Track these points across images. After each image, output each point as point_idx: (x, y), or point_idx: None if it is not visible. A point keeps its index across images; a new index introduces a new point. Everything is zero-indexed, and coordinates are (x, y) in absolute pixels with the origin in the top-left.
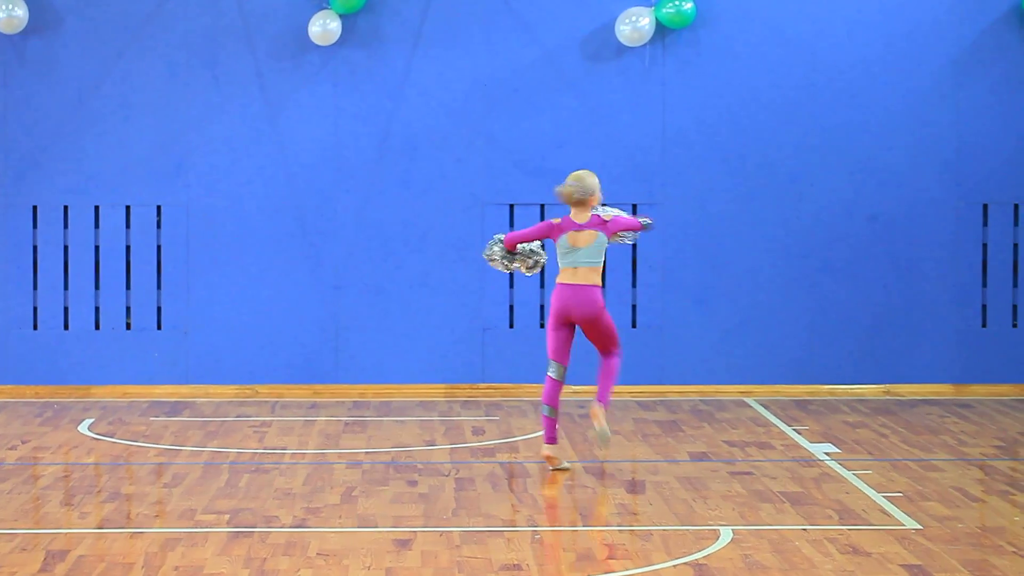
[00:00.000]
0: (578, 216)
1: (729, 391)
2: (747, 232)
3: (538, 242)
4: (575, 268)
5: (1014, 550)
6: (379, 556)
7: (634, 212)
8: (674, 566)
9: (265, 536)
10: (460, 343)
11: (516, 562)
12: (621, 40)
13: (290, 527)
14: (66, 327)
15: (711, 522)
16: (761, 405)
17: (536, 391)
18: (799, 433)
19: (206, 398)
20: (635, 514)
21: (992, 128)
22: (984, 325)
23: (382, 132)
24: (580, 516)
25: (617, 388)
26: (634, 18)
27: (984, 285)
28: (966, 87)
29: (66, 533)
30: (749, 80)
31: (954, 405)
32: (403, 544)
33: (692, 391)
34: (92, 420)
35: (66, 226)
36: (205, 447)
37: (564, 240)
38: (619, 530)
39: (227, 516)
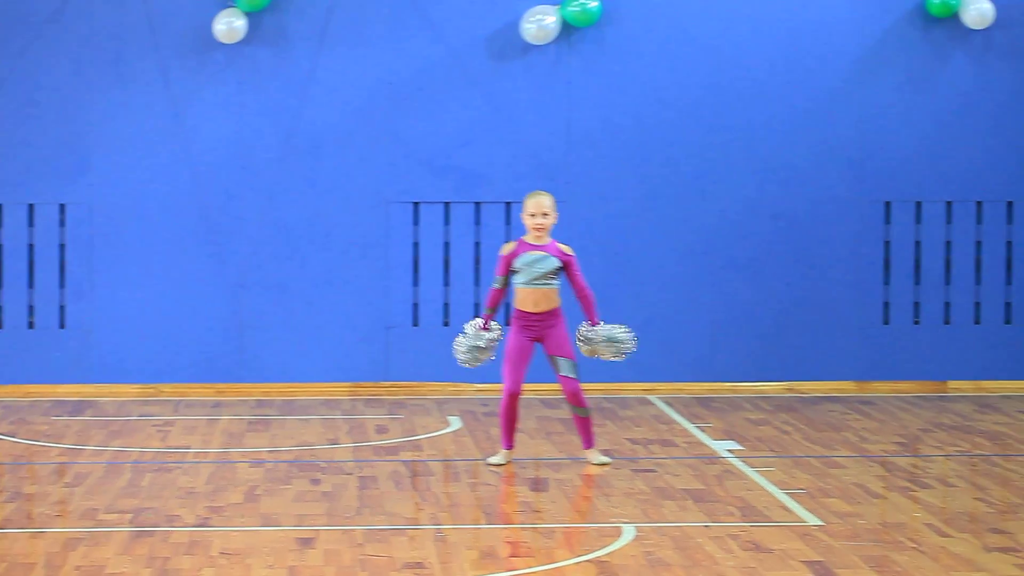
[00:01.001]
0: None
1: (632, 388)
2: (651, 230)
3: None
4: None
5: (914, 546)
6: (282, 555)
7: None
8: (577, 563)
9: (167, 535)
10: (364, 341)
11: (419, 560)
12: (526, 38)
13: (193, 526)
14: None
15: (614, 519)
16: (664, 403)
17: (440, 389)
18: (702, 430)
19: (109, 397)
20: (538, 512)
21: (895, 127)
22: (886, 322)
23: (287, 130)
24: (483, 514)
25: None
26: (539, 16)
27: (886, 283)
28: (869, 86)
29: None
30: (654, 79)
31: (856, 402)
32: (306, 543)
33: (595, 389)
34: None
35: None
36: (108, 446)
37: None
38: (522, 528)
39: (129, 515)
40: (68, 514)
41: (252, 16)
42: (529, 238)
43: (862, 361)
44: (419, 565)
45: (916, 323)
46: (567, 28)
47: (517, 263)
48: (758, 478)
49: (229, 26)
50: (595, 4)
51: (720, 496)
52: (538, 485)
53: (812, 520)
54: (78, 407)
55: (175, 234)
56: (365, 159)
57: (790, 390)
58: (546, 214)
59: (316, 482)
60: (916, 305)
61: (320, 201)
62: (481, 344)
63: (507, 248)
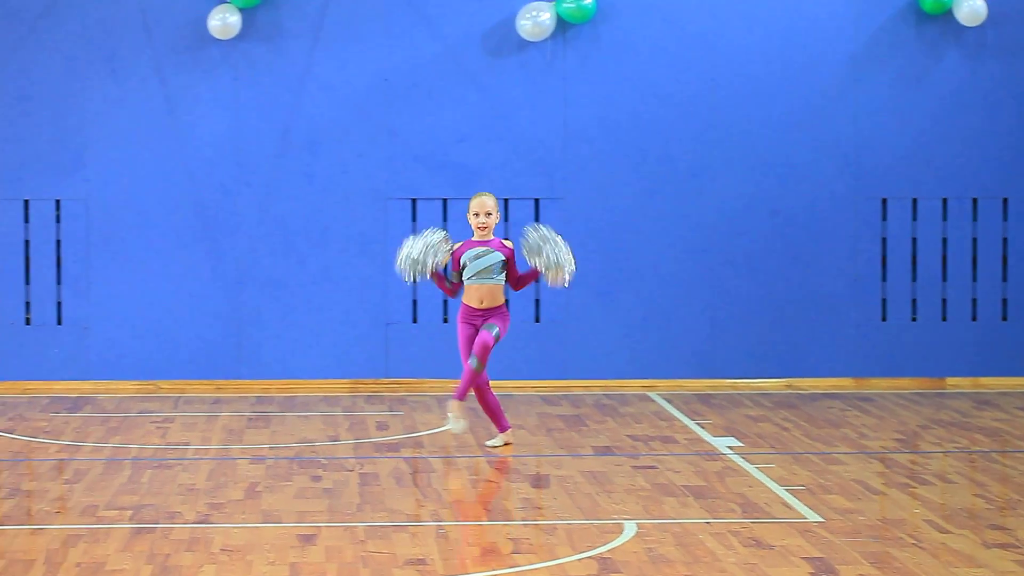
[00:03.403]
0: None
1: (632, 385)
2: (649, 226)
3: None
4: None
5: (914, 542)
6: (283, 551)
7: (536, 207)
8: (579, 560)
9: (168, 532)
10: (363, 338)
11: (421, 557)
12: (522, 35)
13: (193, 523)
14: None
15: (615, 516)
16: (664, 399)
17: (440, 386)
18: (702, 427)
19: (107, 394)
20: (539, 508)
21: (890, 124)
22: (884, 319)
23: (283, 126)
24: (485, 511)
25: (521, 382)
26: (535, 13)
27: (883, 279)
28: (864, 83)
29: None
30: (650, 75)
31: (855, 398)
32: (307, 539)
33: (595, 385)
34: None
35: None
36: (107, 443)
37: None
38: (523, 524)
39: (130, 512)
40: (68, 511)
41: (246, 12)
42: (475, 236)
43: (860, 358)
44: (420, 562)
45: (914, 320)
46: (562, 24)
47: (464, 258)
48: (758, 474)
49: (223, 22)
50: (590, 0)
51: (721, 492)
52: (539, 481)
53: (812, 516)
54: (76, 403)
55: (172, 230)
56: (362, 155)
57: (789, 387)
58: (489, 213)
59: (317, 479)
60: (913, 302)
61: (317, 198)
62: (433, 250)
63: (455, 245)
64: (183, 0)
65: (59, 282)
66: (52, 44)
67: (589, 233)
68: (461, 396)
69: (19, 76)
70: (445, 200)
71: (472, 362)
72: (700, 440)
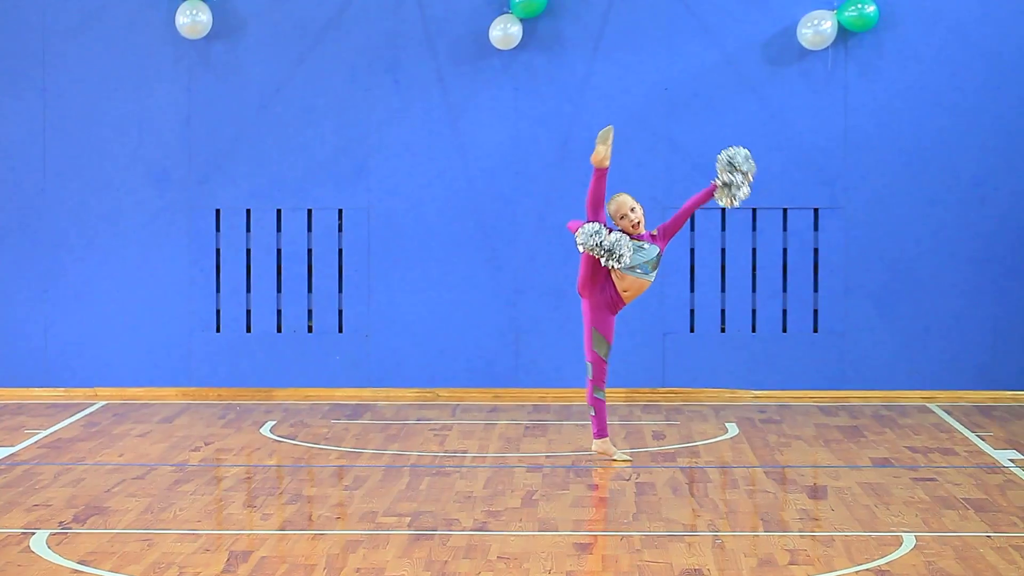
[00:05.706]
0: None
1: (912, 396)
2: (930, 236)
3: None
4: None
5: None
6: (560, 560)
7: (816, 216)
8: (856, 572)
9: (446, 539)
10: (640, 347)
11: (697, 567)
12: (803, 43)
13: (471, 530)
14: (248, 330)
15: (894, 528)
16: (944, 411)
17: (716, 395)
18: (983, 439)
19: (387, 401)
20: (817, 519)
21: None
22: None
23: (563, 136)
24: (761, 521)
25: (798, 393)
26: (816, 21)
27: None
28: None
29: (249, 534)
30: (932, 83)
31: None
32: (583, 548)
33: (874, 396)
34: (274, 422)
35: (248, 229)
36: (386, 450)
37: None
38: (801, 535)
39: (408, 519)
40: (348, 516)
41: (527, 22)
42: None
43: None
44: (697, 571)
45: None
46: (844, 33)
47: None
48: None
49: (505, 32)
50: (872, 8)
51: (1002, 506)
52: (816, 492)
53: None
54: (356, 410)
55: (452, 239)
56: (642, 164)
57: None
58: (633, 208)
59: (593, 487)
60: None
61: None
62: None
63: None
64: (465, 11)
65: (340, 290)
66: (337, 55)
67: (869, 243)
68: (603, 433)
69: (304, 86)
70: (723, 210)
71: (601, 394)
72: (981, 453)
